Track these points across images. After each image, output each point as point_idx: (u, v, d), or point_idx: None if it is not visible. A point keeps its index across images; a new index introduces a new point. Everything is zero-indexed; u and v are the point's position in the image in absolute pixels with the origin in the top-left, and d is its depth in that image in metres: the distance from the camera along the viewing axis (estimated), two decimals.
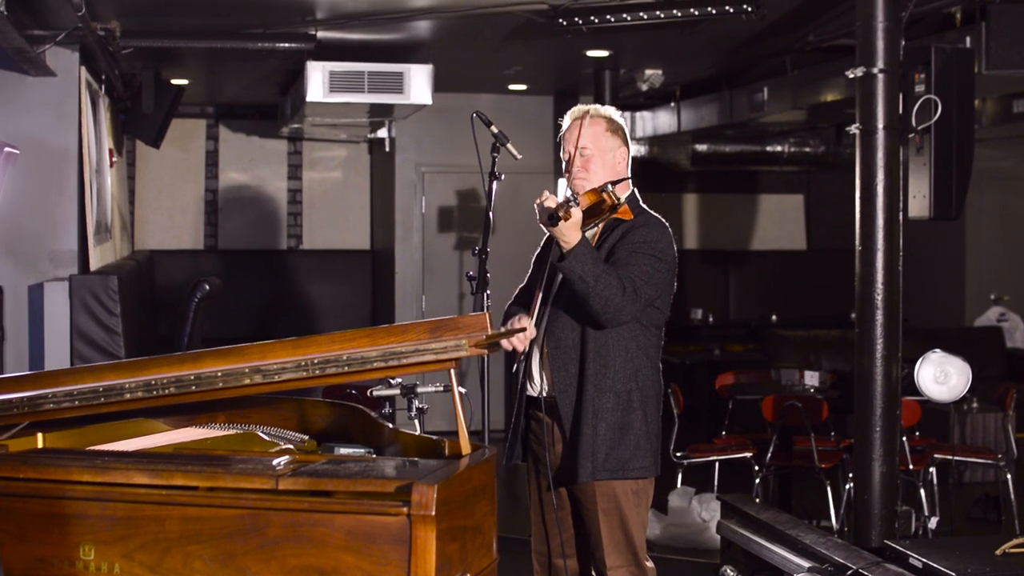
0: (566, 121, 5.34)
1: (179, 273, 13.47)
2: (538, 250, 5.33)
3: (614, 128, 5.24)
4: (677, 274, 5.20)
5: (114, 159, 11.37)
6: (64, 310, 8.82)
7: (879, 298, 7.51)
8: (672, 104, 13.30)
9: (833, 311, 14.64)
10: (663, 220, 5.18)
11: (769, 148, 14.62)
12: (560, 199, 4.78)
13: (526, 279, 5.36)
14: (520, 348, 5.01)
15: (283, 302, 14.44)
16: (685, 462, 9.55)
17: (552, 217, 4.71)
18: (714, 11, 8.69)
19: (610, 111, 5.31)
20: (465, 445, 4.19)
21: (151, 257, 13.15)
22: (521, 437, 5.27)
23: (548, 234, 5.07)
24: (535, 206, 4.86)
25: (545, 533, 5.30)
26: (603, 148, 5.19)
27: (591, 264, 4.80)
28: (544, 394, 5.11)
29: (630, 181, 5.27)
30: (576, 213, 4.76)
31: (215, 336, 11.19)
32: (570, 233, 4.79)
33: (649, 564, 5.17)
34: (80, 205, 9.34)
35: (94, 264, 9.60)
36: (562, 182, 5.30)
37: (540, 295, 5.18)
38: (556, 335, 5.07)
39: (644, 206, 5.23)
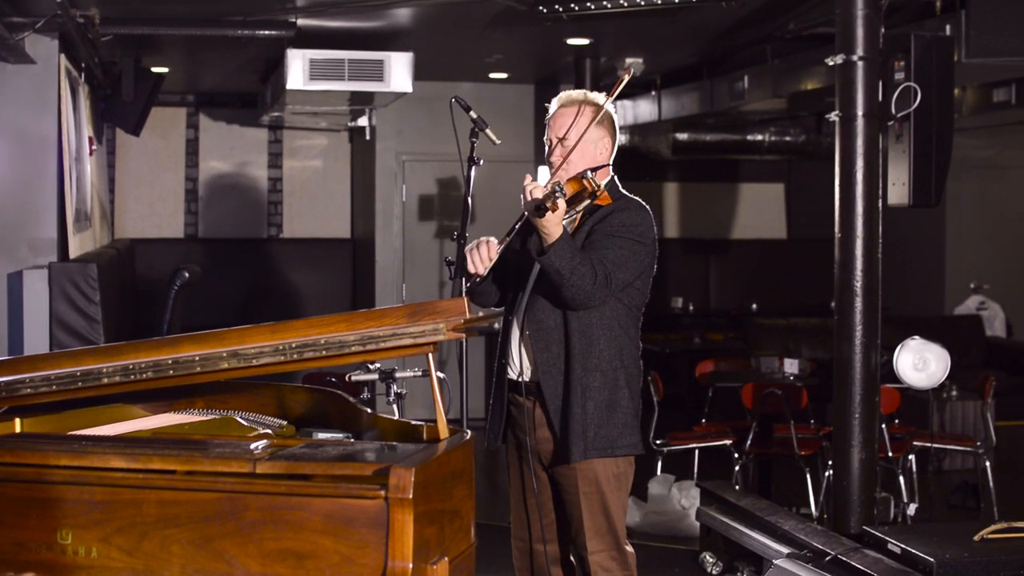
0: (553, 106, 5.28)
1: (159, 262, 13.44)
2: (518, 223, 5.21)
3: (600, 118, 5.17)
4: (658, 260, 5.19)
5: (94, 147, 11.34)
6: (43, 298, 8.79)
7: (858, 285, 7.53)
8: (653, 93, 13.30)
9: (813, 300, 14.67)
10: (643, 203, 5.16)
11: (750, 137, 14.63)
12: (547, 188, 4.75)
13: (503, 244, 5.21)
14: (479, 269, 4.99)
15: (264, 290, 14.44)
16: (665, 450, 9.57)
17: (540, 208, 4.69)
18: None
19: (598, 98, 5.21)
20: (443, 429, 4.19)
21: (131, 246, 13.13)
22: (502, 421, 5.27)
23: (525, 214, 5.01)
24: (523, 188, 4.83)
25: (526, 518, 5.30)
26: (586, 138, 5.12)
27: (569, 258, 4.79)
28: (525, 377, 5.11)
29: (610, 167, 5.23)
30: (562, 204, 4.74)
31: (195, 324, 11.11)
32: (553, 226, 4.77)
33: (629, 548, 5.17)
34: (59, 193, 9.32)
35: (73, 252, 9.58)
36: (543, 169, 5.30)
37: (516, 276, 5.18)
38: (537, 317, 5.06)
39: (624, 191, 5.21)
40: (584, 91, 5.31)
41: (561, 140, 5.15)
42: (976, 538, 6.14)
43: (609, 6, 8.90)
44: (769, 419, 9.44)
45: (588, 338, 5.01)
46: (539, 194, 4.75)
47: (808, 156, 14.92)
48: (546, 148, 5.26)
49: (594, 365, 5.02)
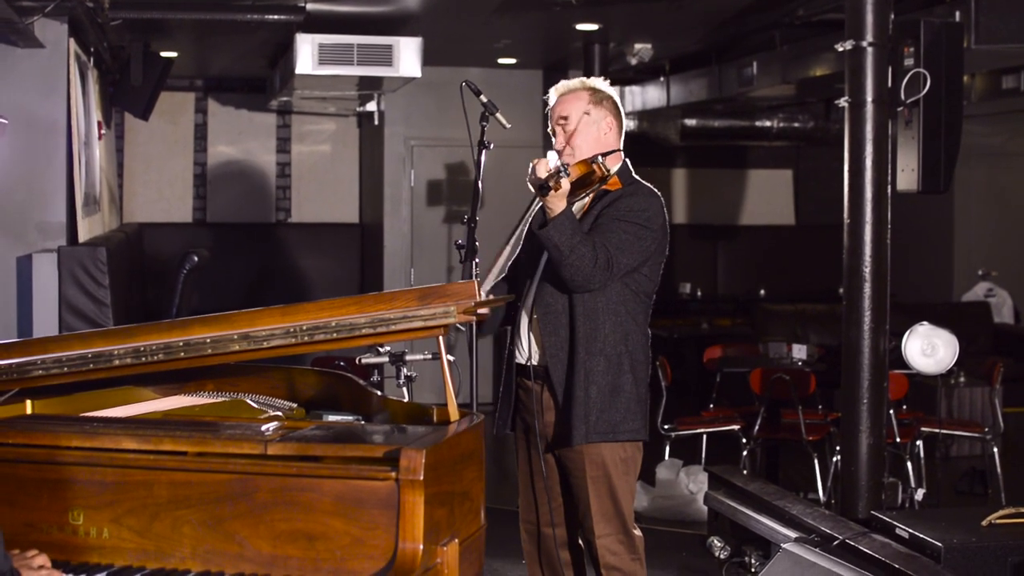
0: (551, 96, 5.33)
1: (168, 246, 13.46)
2: (529, 215, 5.27)
3: (599, 99, 5.22)
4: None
5: (102, 131, 11.35)
6: (52, 281, 8.80)
7: (867, 270, 7.53)
8: (661, 79, 13.30)
9: (821, 286, 14.68)
10: (654, 189, 5.18)
11: (758, 123, 14.63)
12: (552, 167, 4.79)
13: (511, 242, 5.27)
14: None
15: (272, 275, 14.45)
16: (673, 435, 9.58)
17: (543, 187, 4.73)
18: None
19: (595, 82, 5.28)
20: (453, 411, 4.19)
21: (140, 230, 13.14)
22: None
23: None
24: (531, 168, 4.87)
25: (534, 502, 5.32)
26: (587, 120, 5.18)
27: (569, 235, 4.81)
28: (533, 361, 5.12)
29: (621, 152, 5.26)
30: (565, 184, 4.79)
31: (204, 308, 11.20)
32: (556, 203, 4.82)
33: (637, 532, 5.19)
34: (69, 177, 9.32)
35: (82, 236, 9.59)
36: (552, 155, 5.29)
37: (527, 261, 5.20)
38: (545, 300, 5.09)
39: (636, 176, 5.23)
40: (580, 78, 5.36)
41: (563, 125, 5.19)
42: (984, 523, 6.15)
43: None
44: (777, 404, 9.45)
45: (593, 322, 5.03)
46: (543, 173, 4.78)
47: (817, 142, 14.92)
48: (552, 138, 5.29)
49: (598, 349, 5.03)
